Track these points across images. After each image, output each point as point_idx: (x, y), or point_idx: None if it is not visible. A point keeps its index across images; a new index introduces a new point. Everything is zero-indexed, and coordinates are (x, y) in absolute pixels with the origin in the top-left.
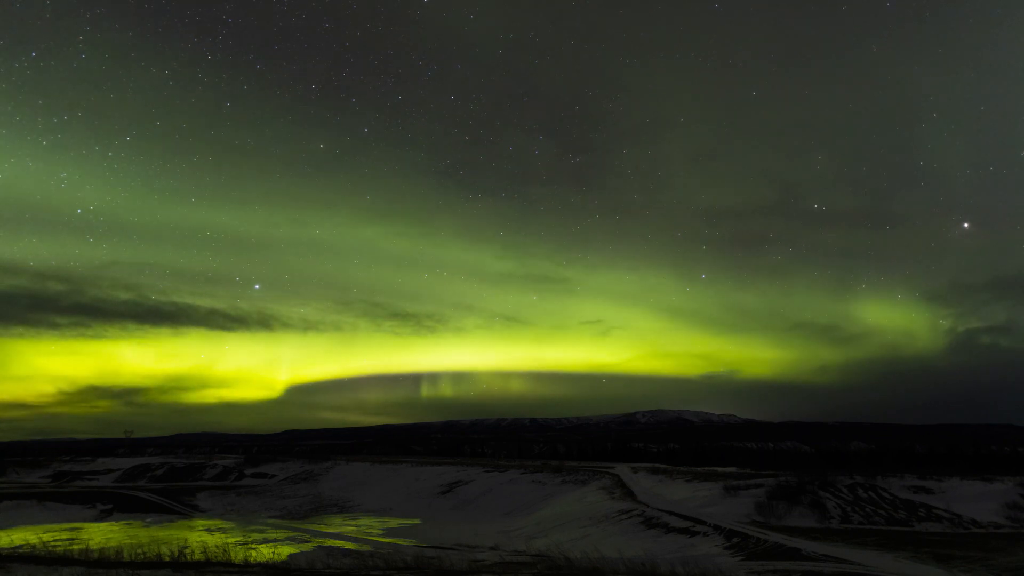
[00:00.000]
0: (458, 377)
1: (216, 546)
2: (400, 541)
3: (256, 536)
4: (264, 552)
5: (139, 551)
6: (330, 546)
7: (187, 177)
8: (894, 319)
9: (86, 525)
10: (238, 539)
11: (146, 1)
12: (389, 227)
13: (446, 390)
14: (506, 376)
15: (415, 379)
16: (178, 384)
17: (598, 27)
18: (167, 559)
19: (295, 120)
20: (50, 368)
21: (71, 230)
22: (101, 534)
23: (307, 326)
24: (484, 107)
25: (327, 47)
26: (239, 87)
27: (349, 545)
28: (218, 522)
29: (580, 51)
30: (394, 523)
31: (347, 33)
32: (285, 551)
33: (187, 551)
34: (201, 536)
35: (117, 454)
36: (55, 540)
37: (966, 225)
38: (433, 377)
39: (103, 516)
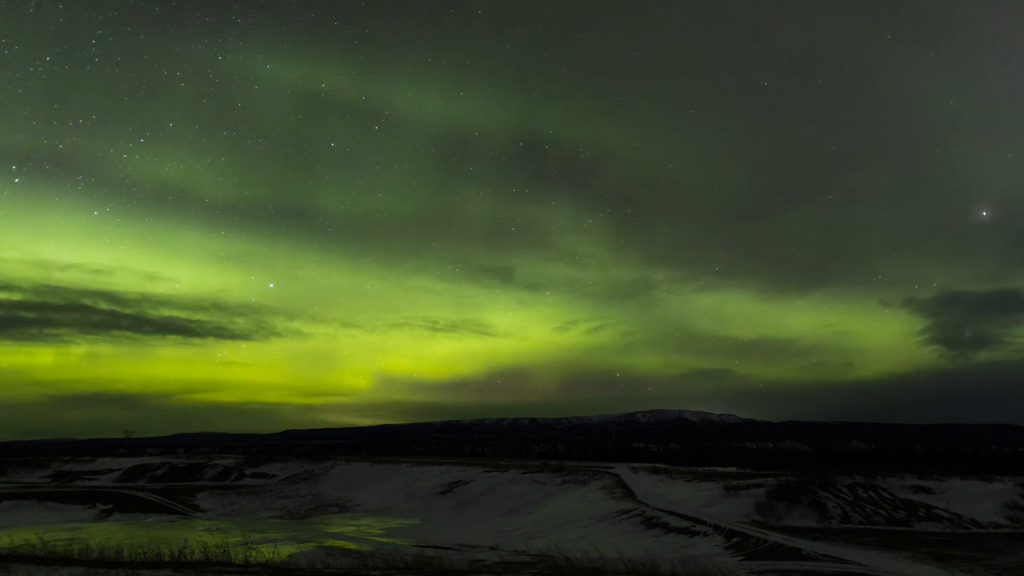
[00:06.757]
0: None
1: (216, 546)
2: (400, 541)
3: (256, 536)
4: (264, 552)
5: (139, 551)
6: (330, 546)
7: (200, 177)
8: (896, 319)
9: (86, 525)
10: (238, 539)
11: (157, 4)
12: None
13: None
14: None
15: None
16: (181, 386)
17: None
18: (167, 559)
19: (306, 119)
20: (52, 369)
21: (87, 232)
22: (101, 534)
23: (311, 331)
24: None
25: (336, 46)
26: (250, 87)
27: (349, 545)
28: (218, 522)
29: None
30: (394, 523)
31: (355, 32)
32: (285, 551)
33: (187, 551)
34: (201, 536)
35: (117, 454)
36: (55, 540)
37: (984, 213)
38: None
39: (103, 516)
